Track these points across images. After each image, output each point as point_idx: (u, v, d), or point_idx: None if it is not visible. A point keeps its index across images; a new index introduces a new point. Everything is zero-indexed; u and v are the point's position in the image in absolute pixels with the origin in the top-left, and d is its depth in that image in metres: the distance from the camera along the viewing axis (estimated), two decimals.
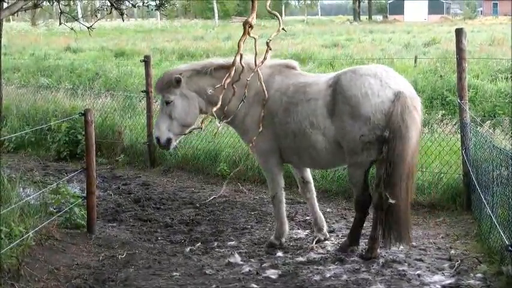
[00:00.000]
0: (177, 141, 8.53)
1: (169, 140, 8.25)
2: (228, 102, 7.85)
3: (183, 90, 8.20)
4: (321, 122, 7.67)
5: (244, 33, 4.72)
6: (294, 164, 8.51)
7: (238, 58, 4.71)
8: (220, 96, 4.70)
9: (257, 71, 4.78)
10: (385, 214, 7.53)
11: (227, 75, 4.73)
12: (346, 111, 7.44)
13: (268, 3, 5.19)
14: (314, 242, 8.46)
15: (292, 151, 8.07)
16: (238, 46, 4.74)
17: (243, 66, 4.75)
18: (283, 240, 8.40)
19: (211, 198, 5.63)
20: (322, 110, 7.65)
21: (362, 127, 7.38)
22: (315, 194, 8.71)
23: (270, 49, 4.81)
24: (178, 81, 8.11)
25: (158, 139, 8.30)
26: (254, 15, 4.74)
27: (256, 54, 4.89)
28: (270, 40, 4.79)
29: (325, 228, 8.67)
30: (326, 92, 7.66)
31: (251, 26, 4.74)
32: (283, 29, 4.80)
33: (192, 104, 8.22)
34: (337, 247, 8.29)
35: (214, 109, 4.65)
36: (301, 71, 8.31)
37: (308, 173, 8.65)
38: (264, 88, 5.21)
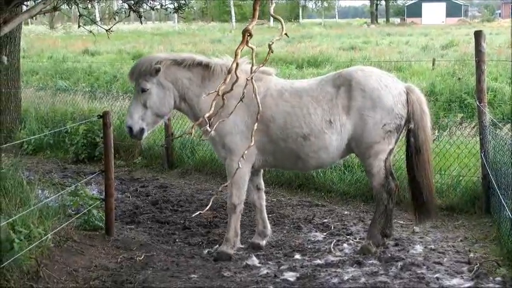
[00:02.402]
0: (149, 132, 8.34)
1: (142, 130, 8.02)
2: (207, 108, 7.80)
3: (161, 79, 8.02)
4: (338, 120, 7.88)
5: (242, 42, 4.63)
6: (283, 168, 8.87)
7: (234, 66, 4.62)
8: (214, 103, 4.59)
9: (251, 80, 4.72)
10: (416, 197, 8.27)
11: (222, 82, 4.62)
12: (367, 104, 7.84)
13: (272, 8, 5.16)
14: (332, 245, 8.45)
15: (291, 154, 8.03)
16: (236, 54, 4.64)
17: (237, 77, 4.65)
18: (235, 249, 8.32)
19: (197, 213, 5.67)
20: (337, 109, 7.88)
21: (385, 117, 7.86)
22: (264, 200, 8.72)
23: (272, 52, 4.76)
24: (158, 71, 7.93)
25: (131, 128, 7.99)
26: (254, 23, 4.67)
27: (252, 64, 4.83)
28: (273, 43, 4.73)
29: (268, 237, 8.65)
30: (337, 91, 7.93)
31: (250, 35, 4.66)
32: (285, 34, 4.77)
33: (167, 95, 8.07)
34: (357, 249, 8.29)
35: (207, 115, 4.55)
36: (276, 77, 8.37)
37: (262, 180, 8.67)
38: (258, 100, 5.10)
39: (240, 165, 7.15)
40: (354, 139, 7.94)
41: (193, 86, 8.06)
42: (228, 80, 4.77)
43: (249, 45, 4.65)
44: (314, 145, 7.93)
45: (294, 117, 7.88)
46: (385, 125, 7.87)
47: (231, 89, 4.90)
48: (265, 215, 8.61)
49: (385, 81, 8.00)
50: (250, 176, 8.25)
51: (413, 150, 8.10)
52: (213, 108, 4.75)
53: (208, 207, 5.04)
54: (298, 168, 8.58)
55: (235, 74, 4.76)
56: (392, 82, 8.07)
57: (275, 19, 5.02)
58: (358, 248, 8.30)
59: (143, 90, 7.96)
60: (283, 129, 7.91)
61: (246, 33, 4.63)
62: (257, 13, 4.72)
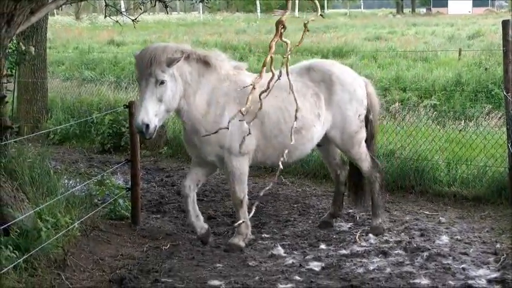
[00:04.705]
0: None
1: (155, 128, 7.25)
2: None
3: (175, 71, 7.40)
4: (322, 113, 8.12)
5: (276, 34, 4.45)
6: (265, 163, 8.67)
7: (269, 59, 4.45)
8: (250, 97, 4.44)
9: (288, 75, 4.59)
10: (362, 184, 8.93)
11: (257, 77, 4.46)
12: (346, 97, 8.28)
13: None
14: (357, 235, 8.45)
15: (279, 148, 7.92)
16: (270, 47, 4.47)
17: (273, 72, 4.47)
18: (247, 241, 8.18)
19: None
20: (321, 102, 8.12)
21: (359, 108, 8.39)
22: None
23: (308, 30, 4.62)
24: (178, 61, 7.35)
25: (147, 126, 7.12)
26: (287, 14, 4.53)
27: (288, 60, 4.67)
28: (308, 22, 4.61)
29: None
30: (318, 85, 8.19)
31: (284, 27, 4.49)
32: (321, 15, 4.68)
33: (178, 88, 7.47)
34: (370, 231, 8.59)
35: (244, 109, 4.40)
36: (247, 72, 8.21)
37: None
38: (296, 96, 4.95)
39: (239, 165, 7.66)
40: (335, 131, 8.31)
41: (193, 82, 7.65)
42: (263, 74, 4.63)
43: (283, 38, 4.51)
44: (304, 138, 8.03)
45: (286, 112, 7.83)
46: (360, 115, 8.41)
47: (268, 87, 4.73)
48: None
49: (356, 75, 8.64)
50: (198, 167, 8.20)
51: (370, 138, 8.71)
52: (249, 102, 4.64)
53: (251, 213, 5.06)
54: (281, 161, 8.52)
55: (271, 70, 4.61)
56: (358, 76, 8.73)
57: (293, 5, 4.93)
58: (369, 229, 8.63)
59: (162, 82, 7.26)
60: (276, 125, 7.87)
61: (280, 25, 4.46)
62: (290, 3, 4.61)
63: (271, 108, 7.79)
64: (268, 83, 4.61)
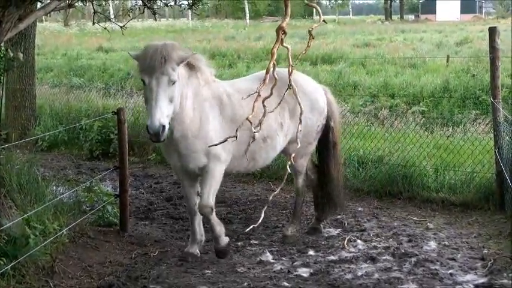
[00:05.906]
0: None
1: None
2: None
3: (180, 71, 7.02)
4: (286, 123, 8.06)
5: (277, 40, 4.43)
6: (231, 171, 8.21)
7: (271, 66, 4.44)
8: (255, 104, 4.44)
9: (290, 81, 4.58)
10: (327, 190, 8.89)
11: (262, 83, 4.44)
12: (307, 106, 8.06)
13: None
14: (346, 241, 8.46)
15: (250, 155, 7.88)
16: (272, 54, 4.44)
17: (276, 79, 4.46)
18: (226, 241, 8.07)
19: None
20: (285, 111, 8.01)
21: (319, 118, 8.41)
22: None
23: (313, 38, 4.62)
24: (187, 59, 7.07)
25: (164, 128, 6.73)
26: (287, 20, 4.52)
27: (290, 65, 4.66)
28: (312, 29, 4.62)
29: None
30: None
31: (285, 33, 4.48)
32: (323, 20, 4.68)
33: (180, 89, 7.10)
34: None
35: (250, 116, 4.41)
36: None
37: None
38: (300, 102, 4.93)
39: (220, 172, 7.60)
40: (293, 140, 8.15)
41: (185, 84, 7.25)
42: (267, 80, 4.63)
43: (284, 44, 4.50)
44: (269, 146, 8.02)
45: (256, 120, 7.62)
46: (319, 125, 8.44)
47: (271, 93, 4.74)
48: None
49: (316, 84, 8.66)
50: (190, 183, 7.96)
51: (332, 145, 8.76)
52: (255, 109, 4.69)
53: (260, 221, 5.09)
54: (247, 169, 8.50)
55: (274, 75, 4.61)
56: (319, 85, 8.74)
57: (311, 7, 4.94)
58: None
59: (174, 82, 6.86)
60: (250, 132, 7.58)
61: (280, 31, 4.45)
62: (289, 9, 4.61)
63: (245, 114, 7.64)
64: (271, 89, 4.66)
